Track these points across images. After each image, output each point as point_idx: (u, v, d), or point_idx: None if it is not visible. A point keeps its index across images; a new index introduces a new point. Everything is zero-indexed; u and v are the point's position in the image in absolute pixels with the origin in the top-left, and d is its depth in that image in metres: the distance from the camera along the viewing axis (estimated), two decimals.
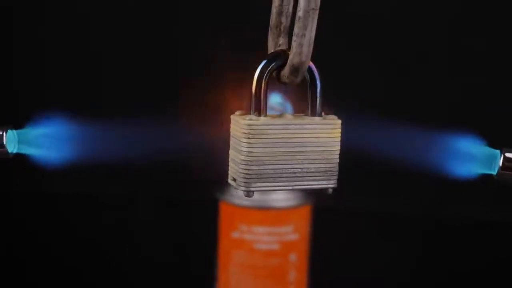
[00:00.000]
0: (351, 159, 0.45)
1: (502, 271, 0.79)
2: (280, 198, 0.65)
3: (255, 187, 0.41)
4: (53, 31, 0.78)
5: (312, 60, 0.40)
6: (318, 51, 0.40)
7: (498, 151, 0.44)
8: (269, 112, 0.41)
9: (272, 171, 0.41)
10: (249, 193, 0.41)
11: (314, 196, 0.66)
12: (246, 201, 0.64)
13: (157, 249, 0.80)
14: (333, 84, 0.44)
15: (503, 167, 0.43)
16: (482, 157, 0.44)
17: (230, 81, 0.54)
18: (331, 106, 0.43)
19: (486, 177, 0.45)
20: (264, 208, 0.65)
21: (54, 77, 0.78)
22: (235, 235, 0.65)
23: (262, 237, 0.65)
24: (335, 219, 0.75)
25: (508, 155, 0.43)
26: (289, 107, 0.59)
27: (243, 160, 0.40)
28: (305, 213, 0.66)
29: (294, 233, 0.66)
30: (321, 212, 0.67)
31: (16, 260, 0.80)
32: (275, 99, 0.59)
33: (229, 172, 0.42)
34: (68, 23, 0.78)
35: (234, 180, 0.41)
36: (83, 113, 0.45)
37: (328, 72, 0.42)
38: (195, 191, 0.75)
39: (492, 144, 0.44)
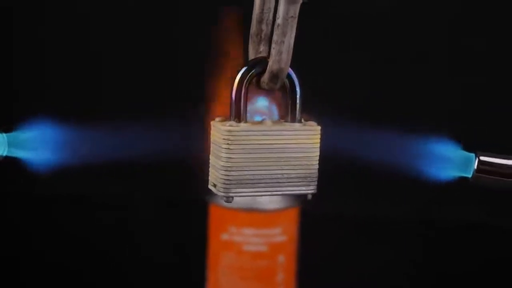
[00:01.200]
0: (337, 164, 0.46)
1: (494, 272, 0.79)
2: (269, 200, 0.66)
3: (234, 192, 0.41)
4: (52, 31, 0.78)
5: (300, 64, 0.41)
6: (312, 52, 0.41)
7: (473, 155, 0.44)
8: (255, 117, 0.42)
9: (251, 177, 0.41)
10: (228, 199, 0.41)
11: (303, 199, 0.67)
12: (235, 204, 0.65)
13: (157, 249, 0.81)
14: (317, 88, 0.45)
15: (477, 170, 0.44)
16: (458, 160, 0.45)
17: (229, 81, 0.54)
18: (315, 110, 0.44)
19: (462, 180, 0.45)
20: (252, 210, 0.65)
21: (49, 78, 0.79)
22: (224, 237, 0.66)
23: (250, 239, 0.65)
24: (323, 222, 0.75)
25: (482, 158, 0.44)
26: (275, 111, 0.59)
27: (222, 166, 0.41)
28: (293, 215, 0.67)
29: (283, 235, 0.66)
30: (309, 215, 0.67)
31: (13, 263, 0.80)
32: (262, 104, 0.59)
33: (209, 177, 0.42)
34: (66, 24, 0.78)
35: (214, 185, 0.42)
36: (81, 112, 0.45)
37: (312, 75, 0.43)
38: (194, 191, 0.75)
39: (467, 148, 0.45)
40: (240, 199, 0.64)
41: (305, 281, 0.69)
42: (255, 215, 0.65)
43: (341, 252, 0.78)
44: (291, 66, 0.41)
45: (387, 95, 0.78)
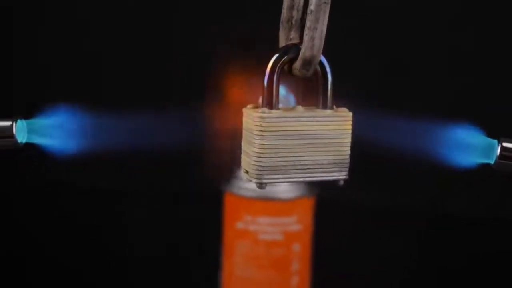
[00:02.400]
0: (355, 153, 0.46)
1: (502, 265, 0.80)
2: (284, 189, 0.66)
3: (267, 179, 0.41)
4: (59, 23, 0.78)
5: (324, 53, 0.41)
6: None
7: (495, 141, 0.45)
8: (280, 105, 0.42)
9: (284, 163, 0.41)
10: (261, 185, 0.42)
11: (318, 188, 0.67)
12: (250, 192, 0.65)
13: (169, 240, 0.81)
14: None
15: (500, 157, 0.44)
16: (480, 147, 0.45)
17: (234, 77, 0.55)
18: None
19: (484, 167, 0.46)
20: (268, 199, 0.65)
21: (65, 68, 0.78)
22: (240, 225, 0.66)
23: (266, 227, 0.65)
24: (338, 211, 0.75)
25: (505, 144, 0.44)
26: (292, 99, 0.59)
27: (255, 152, 0.41)
28: (308, 204, 0.67)
29: (298, 224, 0.66)
30: (324, 204, 0.68)
31: (14, 254, 0.80)
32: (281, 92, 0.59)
33: (242, 164, 0.43)
34: (69, 18, 0.78)
35: (247, 172, 0.42)
36: (87, 106, 0.45)
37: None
38: (200, 183, 0.75)
39: (490, 134, 0.45)
40: (255, 188, 0.65)
41: (320, 269, 0.69)
42: (270, 204, 0.65)
43: (356, 241, 0.78)
44: (323, 53, 0.41)
45: (408, 82, 0.78)
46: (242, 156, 0.43)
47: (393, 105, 0.49)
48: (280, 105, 0.43)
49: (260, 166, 0.41)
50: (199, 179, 0.73)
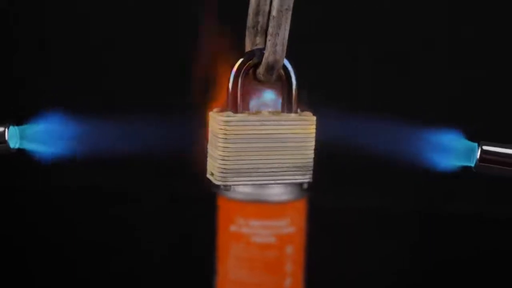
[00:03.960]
0: (339, 156, 0.47)
1: (497, 263, 0.80)
2: (277, 192, 0.66)
3: (231, 181, 0.42)
4: (55, 26, 0.79)
5: (293, 56, 0.42)
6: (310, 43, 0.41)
7: (476, 144, 0.45)
8: (264, 109, 0.43)
9: (248, 166, 0.42)
10: (226, 187, 0.42)
11: (310, 191, 0.67)
12: (242, 195, 0.66)
13: (165, 243, 0.81)
14: (316, 78, 0.45)
15: (480, 159, 0.45)
16: (461, 150, 0.46)
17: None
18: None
19: (465, 170, 0.46)
20: (260, 202, 0.66)
21: (57, 72, 0.79)
22: (233, 228, 0.67)
23: (259, 230, 0.66)
24: (331, 213, 0.76)
25: (485, 147, 0.44)
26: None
27: (220, 155, 0.42)
28: (301, 206, 0.68)
29: (291, 226, 0.67)
30: (316, 207, 0.68)
31: (18, 255, 0.82)
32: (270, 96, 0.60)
33: (208, 166, 0.44)
34: (69, 18, 0.79)
35: (212, 174, 0.43)
36: (85, 107, 0.46)
37: (311, 66, 0.43)
38: (198, 185, 0.76)
39: (470, 138, 0.45)
40: (248, 191, 0.65)
41: (313, 271, 0.69)
42: (262, 207, 0.66)
43: (349, 242, 0.78)
44: (287, 58, 0.42)
45: (389, 85, 0.78)
46: (208, 159, 0.43)
47: (375, 109, 0.49)
48: (269, 109, 0.44)
49: (225, 169, 0.42)
50: (193, 182, 0.73)
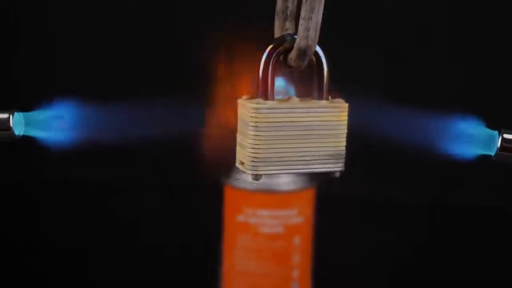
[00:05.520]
0: (354, 144, 0.46)
1: (504, 257, 0.80)
2: (284, 181, 0.65)
3: (262, 170, 0.41)
4: (55, 26, 0.78)
5: (320, 44, 0.41)
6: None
7: (496, 132, 0.44)
8: (276, 97, 0.42)
9: (279, 155, 0.41)
10: (257, 177, 0.41)
11: (318, 180, 0.67)
12: (250, 185, 0.65)
13: (170, 234, 0.80)
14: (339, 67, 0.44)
15: (501, 148, 0.44)
16: (481, 138, 0.45)
17: (233, 68, 0.54)
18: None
19: (485, 159, 0.45)
20: (268, 192, 0.65)
21: (62, 60, 0.78)
22: (240, 218, 0.66)
23: (266, 220, 0.65)
24: (339, 204, 0.75)
25: (506, 136, 0.44)
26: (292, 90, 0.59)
27: (250, 143, 0.41)
28: (309, 196, 0.67)
29: (298, 216, 0.66)
30: (325, 197, 0.67)
31: (21, 246, 0.80)
32: (279, 83, 0.59)
33: (237, 155, 0.42)
34: (69, 18, 0.78)
35: (242, 163, 0.42)
36: (88, 97, 0.45)
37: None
38: (200, 175, 0.75)
39: (491, 126, 0.45)
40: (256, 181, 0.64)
41: (321, 262, 0.69)
42: (270, 197, 0.65)
43: (356, 233, 0.78)
44: (319, 44, 0.41)
45: (408, 73, 0.77)
46: (237, 147, 0.42)
47: (393, 97, 0.48)
48: (280, 97, 0.43)
49: (255, 157, 0.41)
50: (199, 173, 0.73)
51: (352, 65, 0.75)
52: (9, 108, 0.45)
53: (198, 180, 0.75)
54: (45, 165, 0.77)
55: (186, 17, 0.77)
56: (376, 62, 0.77)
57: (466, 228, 0.79)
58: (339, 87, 0.47)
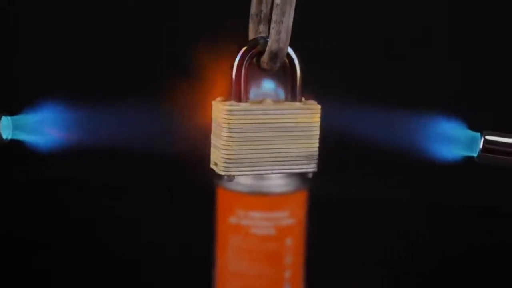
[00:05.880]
0: (342, 146, 0.46)
1: (498, 256, 0.79)
2: (276, 183, 0.66)
3: (235, 171, 0.42)
4: (55, 26, 0.79)
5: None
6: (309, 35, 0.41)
7: (478, 134, 0.45)
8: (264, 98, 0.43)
9: (252, 156, 0.42)
10: (229, 177, 0.42)
11: (310, 182, 0.67)
12: (242, 187, 0.65)
13: (163, 235, 0.81)
14: (321, 69, 0.45)
15: (483, 150, 0.44)
16: (463, 140, 0.45)
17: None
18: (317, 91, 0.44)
19: (468, 160, 0.46)
20: (260, 194, 0.66)
21: (62, 60, 0.79)
22: (232, 220, 0.66)
23: (258, 222, 0.66)
24: (331, 205, 0.75)
25: (488, 137, 0.44)
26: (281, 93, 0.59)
27: (223, 145, 0.41)
28: (301, 198, 0.67)
29: (290, 218, 0.66)
30: (317, 198, 0.68)
31: (21, 246, 0.81)
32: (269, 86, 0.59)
33: (211, 156, 0.43)
34: (68, 11, 0.78)
35: (216, 164, 0.42)
36: (81, 98, 0.46)
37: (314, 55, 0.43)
38: (196, 176, 0.75)
39: (473, 127, 0.45)
40: (247, 182, 0.65)
41: (313, 263, 0.69)
42: (262, 199, 0.66)
43: (349, 234, 0.78)
44: (291, 46, 0.41)
45: (392, 75, 0.77)
46: (212, 149, 0.43)
47: (378, 98, 0.49)
48: (270, 99, 0.43)
49: (228, 159, 0.42)
50: (192, 174, 0.73)
51: (352, 65, 0.76)
52: (9, 108, 0.45)
53: (198, 180, 0.75)
54: (45, 165, 0.78)
55: (186, 17, 0.78)
56: (376, 62, 0.77)
57: (464, 228, 0.79)
58: (339, 87, 0.48)
